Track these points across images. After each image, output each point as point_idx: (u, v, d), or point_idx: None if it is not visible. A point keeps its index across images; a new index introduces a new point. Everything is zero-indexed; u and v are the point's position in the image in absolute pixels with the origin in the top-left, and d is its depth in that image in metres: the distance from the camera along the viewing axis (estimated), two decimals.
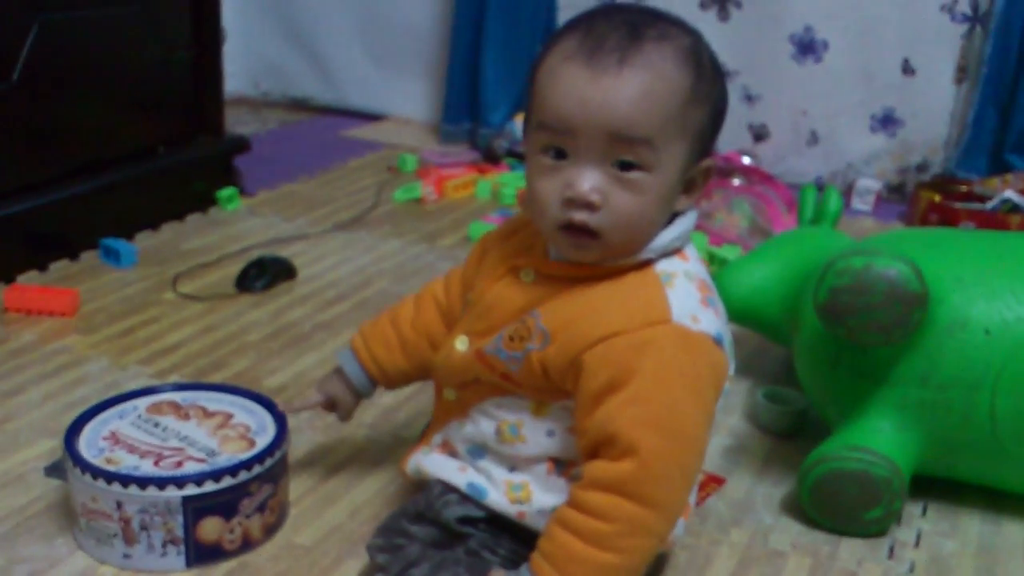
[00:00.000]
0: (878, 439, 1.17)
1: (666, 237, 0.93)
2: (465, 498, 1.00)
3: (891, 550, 1.17)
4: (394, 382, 1.17)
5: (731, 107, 2.75)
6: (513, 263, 0.98)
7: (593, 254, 0.92)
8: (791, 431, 1.38)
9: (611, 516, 0.88)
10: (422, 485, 1.06)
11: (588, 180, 0.88)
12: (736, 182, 2.16)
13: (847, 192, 2.34)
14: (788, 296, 1.39)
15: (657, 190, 0.89)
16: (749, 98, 2.52)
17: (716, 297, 0.96)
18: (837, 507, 1.17)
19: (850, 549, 1.16)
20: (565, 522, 0.90)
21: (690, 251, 0.97)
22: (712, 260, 1.92)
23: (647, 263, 0.93)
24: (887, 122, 2.41)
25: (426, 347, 1.12)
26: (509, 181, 2.32)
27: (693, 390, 0.89)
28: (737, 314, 1.48)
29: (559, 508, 0.92)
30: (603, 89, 0.87)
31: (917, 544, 1.18)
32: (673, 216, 0.94)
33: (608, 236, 0.90)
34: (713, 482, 1.27)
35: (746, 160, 2.37)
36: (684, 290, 0.92)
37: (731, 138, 2.53)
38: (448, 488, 1.01)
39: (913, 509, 1.23)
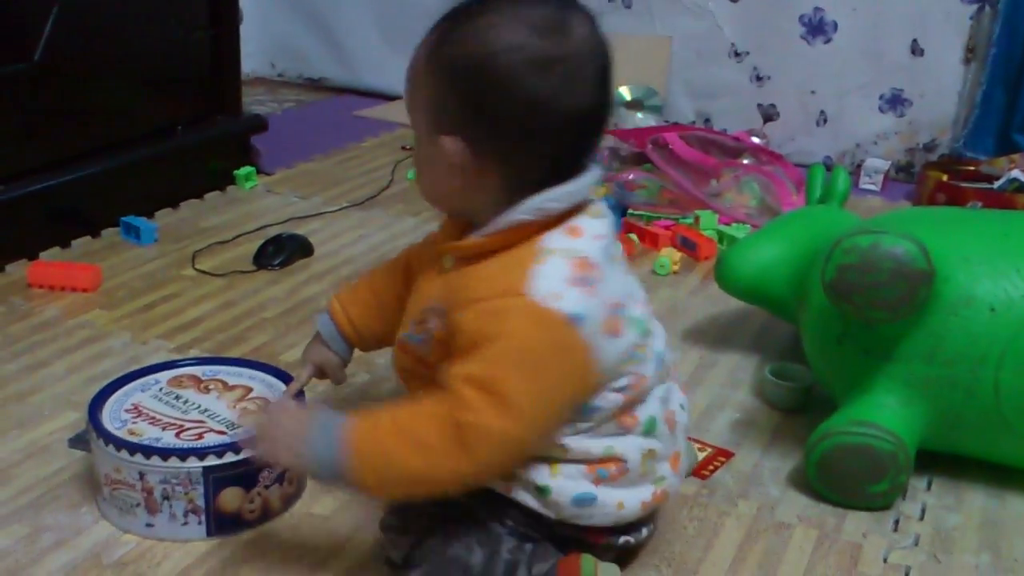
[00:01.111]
0: (884, 414, 1.19)
1: (511, 215, 0.93)
2: None
3: (896, 523, 1.19)
4: (369, 345, 1.19)
5: (741, 87, 2.76)
6: (440, 248, 1.01)
7: (449, 226, 1.01)
8: (798, 407, 1.40)
9: (432, 443, 0.90)
10: None
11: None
12: (745, 161, 2.18)
13: (855, 172, 2.35)
14: (795, 274, 1.41)
15: (420, 159, 0.97)
16: (759, 78, 2.53)
17: (600, 277, 0.93)
18: (843, 481, 1.20)
19: (855, 522, 1.18)
20: (396, 416, 0.93)
21: (589, 227, 0.95)
22: (721, 239, 1.94)
23: (531, 237, 0.93)
24: (895, 102, 2.42)
25: (399, 311, 1.11)
26: None
27: (530, 364, 0.90)
28: (745, 291, 1.50)
29: (403, 405, 0.95)
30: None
31: (922, 517, 1.20)
32: (524, 193, 0.93)
33: (430, 202, 1.00)
34: (721, 455, 1.29)
35: (755, 140, 2.38)
36: (554, 267, 0.91)
37: (741, 118, 2.54)
38: None
39: (918, 483, 1.25)
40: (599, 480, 0.99)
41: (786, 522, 1.18)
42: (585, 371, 0.93)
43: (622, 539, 1.04)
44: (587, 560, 0.98)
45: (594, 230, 0.96)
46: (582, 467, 0.98)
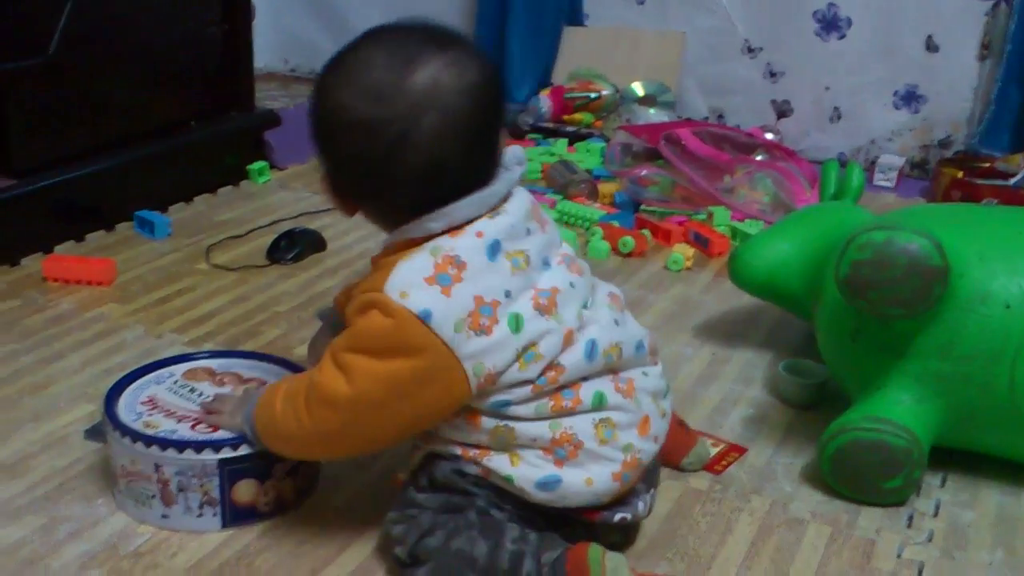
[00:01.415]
0: (898, 410, 1.19)
1: (407, 231, 0.99)
2: (451, 458, 1.03)
3: (910, 519, 1.19)
4: None
5: (755, 83, 2.76)
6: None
7: None
8: (811, 403, 1.40)
9: (294, 394, 1.02)
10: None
11: None
12: (759, 158, 2.17)
13: (869, 168, 2.35)
14: (809, 270, 1.41)
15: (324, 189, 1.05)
16: (772, 74, 2.53)
17: (462, 275, 0.96)
18: (857, 477, 1.19)
19: (869, 518, 1.18)
20: (287, 381, 1.06)
21: (475, 227, 0.99)
22: (734, 235, 1.93)
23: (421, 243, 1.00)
24: (910, 99, 2.42)
25: None
26: (533, 156, 2.33)
27: (375, 348, 0.97)
28: (758, 287, 1.50)
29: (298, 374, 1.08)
30: None
31: (936, 514, 1.20)
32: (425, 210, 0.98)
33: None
34: (734, 451, 1.29)
35: (769, 136, 2.38)
36: (414, 264, 0.97)
37: (754, 114, 2.54)
38: (434, 454, 1.05)
39: (932, 480, 1.25)
40: (560, 461, 1.00)
41: (799, 518, 1.18)
42: (438, 365, 0.96)
43: (618, 515, 1.04)
44: (594, 549, 0.98)
45: (480, 228, 0.99)
46: (539, 452, 1.00)
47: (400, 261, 0.97)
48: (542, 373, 0.99)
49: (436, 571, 1.00)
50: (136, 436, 1.08)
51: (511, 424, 1.00)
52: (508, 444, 1.01)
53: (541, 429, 1.00)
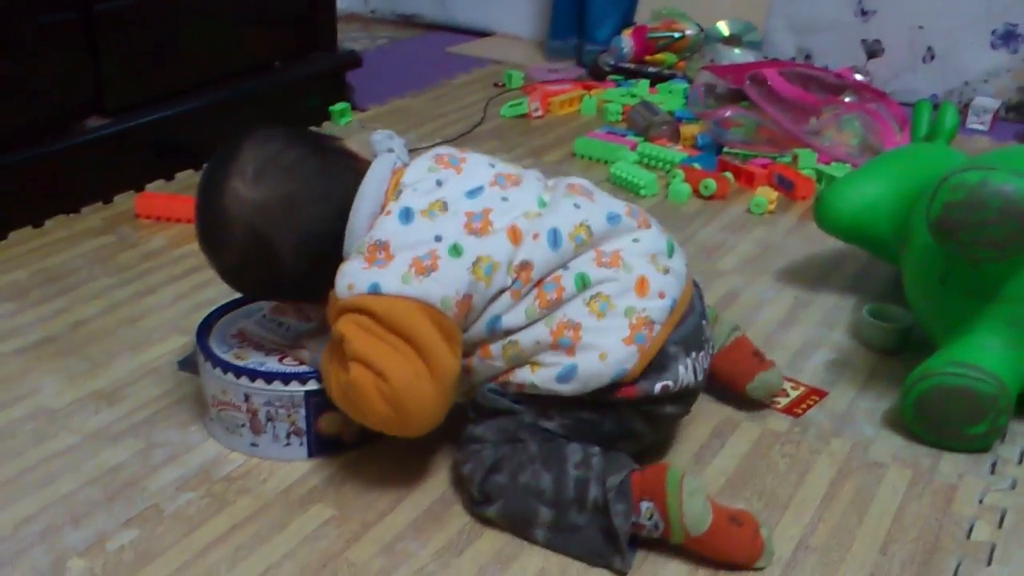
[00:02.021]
0: (986, 356, 1.17)
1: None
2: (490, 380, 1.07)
3: (993, 466, 1.17)
4: None
5: (845, 22, 2.69)
6: None
7: None
8: (895, 348, 1.38)
9: (344, 400, 1.06)
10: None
11: None
12: (847, 99, 2.13)
13: (963, 111, 2.29)
14: (898, 212, 1.39)
15: None
16: (863, 12, 2.46)
17: (393, 245, 1.03)
18: (940, 423, 1.18)
19: (951, 463, 1.17)
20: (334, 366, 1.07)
21: (382, 214, 1.07)
22: (820, 178, 1.91)
23: None
24: (1008, 38, 2.33)
25: None
26: (614, 98, 2.32)
27: (362, 329, 1.02)
28: (845, 230, 1.48)
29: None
30: None
31: (1020, 461, 1.19)
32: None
33: None
34: (815, 395, 1.29)
35: (858, 77, 2.32)
36: (347, 268, 1.04)
37: (843, 54, 2.48)
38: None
39: (1018, 426, 1.23)
40: (569, 349, 1.02)
41: (879, 461, 1.17)
42: (416, 310, 1.01)
43: (658, 385, 1.04)
44: (673, 470, 0.99)
45: (389, 208, 1.06)
46: (548, 351, 1.03)
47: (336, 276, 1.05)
48: (513, 277, 1.03)
49: (506, 507, 1.03)
50: (227, 367, 1.11)
51: (512, 338, 1.04)
52: (521, 357, 1.04)
53: (539, 330, 1.03)
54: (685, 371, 1.06)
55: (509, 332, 1.04)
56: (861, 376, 1.33)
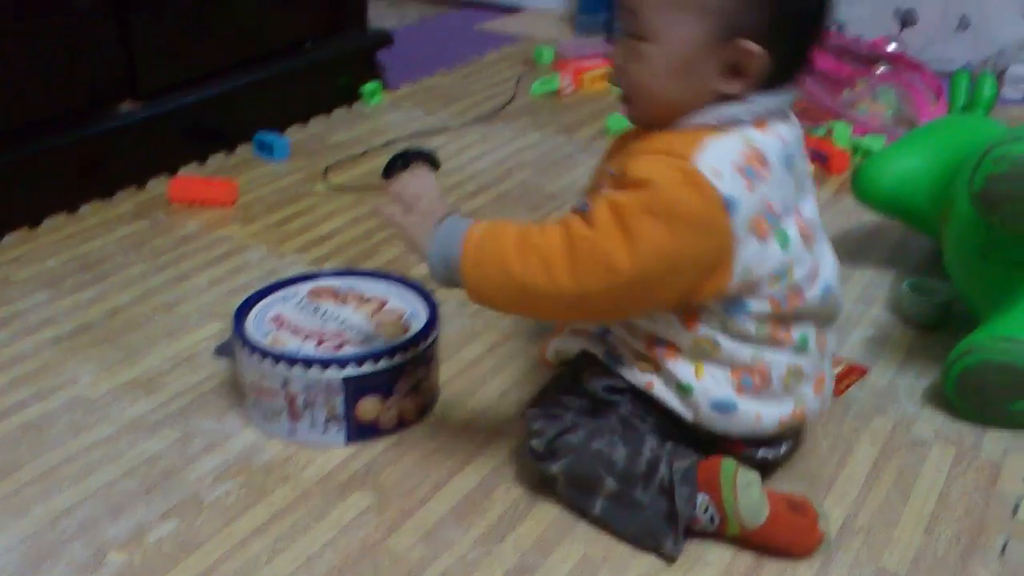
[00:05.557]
0: None
1: (707, 117, 0.94)
2: (607, 369, 1.04)
3: None
4: None
5: None
6: (628, 133, 1.04)
7: (633, 117, 1.00)
8: (936, 323, 1.36)
9: (545, 245, 0.93)
10: (565, 367, 1.10)
11: (615, 51, 0.98)
12: (881, 69, 2.09)
13: (998, 79, 2.24)
14: (938, 185, 1.37)
15: (658, 60, 0.93)
16: None
17: (764, 175, 0.93)
18: (983, 399, 1.17)
19: (995, 440, 1.16)
20: (522, 225, 0.96)
21: (777, 128, 0.96)
22: (855, 151, 1.88)
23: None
24: None
25: None
26: None
27: (667, 217, 0.90)
28: (884, 203, 1.46)
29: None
30: None
31: None
32: (727, 98, 0.94)
33: (633, 100, 0.98)
34: (855, 372, 1.28)
35: (892, 47, 2.28)
36: (726, 146, 0.92)
37: (876, 23, 2.44)
38: (591, 359, 1.05)
39: None
40: (742, 389, 0.99)
41: (923, 439, 1.16)
42: (719, 254, 0.93)
43: (760, 453, 1.04)
44: (728, 462, 0.99)
45: (780, 131, 0.97)
46: (727, 371, 0.99)
47: (708, 136, 0.92)
48: (787, 297, 0.98)
49: (572, 466, 1.01)
50: (264, 353, 1.11)
51: (719, 339, 0.98)
52: (703, 354, 0.99)
53: (744, 352, 0.98)
54: (786, 448, 1.08)
55: (726, 332, 0.97)
56: (901, 352, 1.32)
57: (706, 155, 0.91)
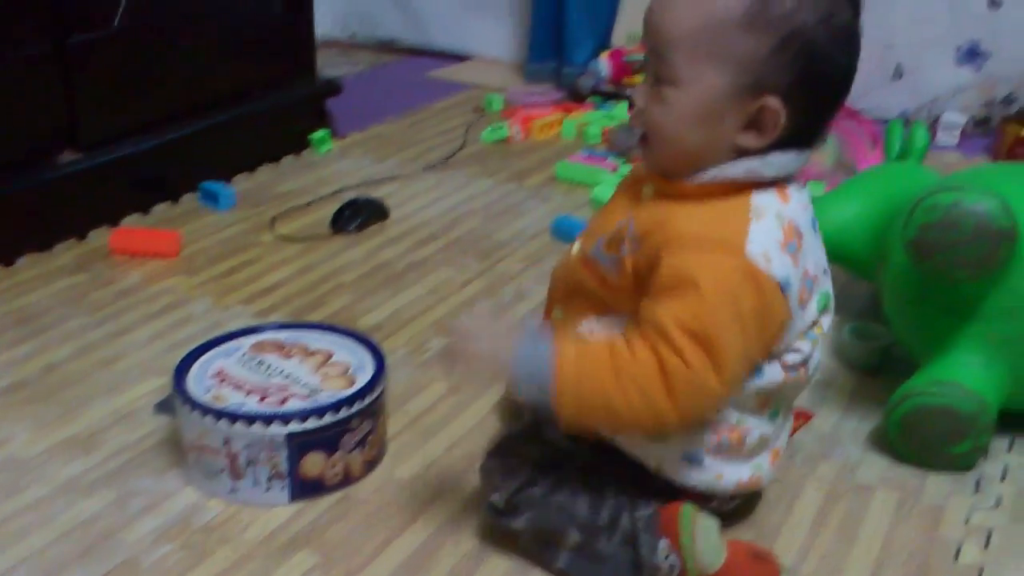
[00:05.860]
0: (965, 374, 1.17)
1: (728, 171, 0.94)
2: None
3: (977, 484, 1.17)
4: None
5: None
6: (643, 176, 1.02)
7: (649, 161, 0.98)
8: (877, 367, 1.38)
9: (641, 376, 0.91)
10: (525, 408, 1.09)
11: (638, 93, 0.96)
12: None
13: (932, 126, 2.29)
14: (876, 232, 1.39)
15: (682, 107, 0.93)
16: None
17: (801, 246, 0.95)
18: (924, 442, 1.18)
19: (937, 483, 1.17)
20: (609, 344, 0.93)
21: (795, 195, 0.97)
22: None
23: (743, 192, 0.94)
24: (973, 55, 2.35)
25: None
26: (594, 120, 2.32)
27: (741, 323, 0.90)
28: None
29: (612, 339, 0.94)
30: (660, 6, 0.93)
31: (1004, 478, 1.18)
32: (744, 153, 0.94)
33: (652, 145, 0.97)
34: (801, 417, 1.28)
35: None
36: (768, 228, 0.93)
37: None
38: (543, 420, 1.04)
39: (1000, 443, 1.23)
40: (718, 449, 1.00)
41: (867, 484, 1.17)
42: (778, 337, 0.95)
43: (712, 505, 1.04)
44: (687, 507, 0.99)
45: (800, 198, 0.98)
46: (710, 430, 0.99)
47: (749, 221, 0.92)
48: (798, 365, 0.99)
49: (535, 520, 1.00)
50: (205, 409, 1.10)
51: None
52: None
53: (732, 415, 0.99)
54: (735, 503, 1.08)
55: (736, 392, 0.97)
56: (845, 396, 1.33)
57: (753, 243, 0.91)
